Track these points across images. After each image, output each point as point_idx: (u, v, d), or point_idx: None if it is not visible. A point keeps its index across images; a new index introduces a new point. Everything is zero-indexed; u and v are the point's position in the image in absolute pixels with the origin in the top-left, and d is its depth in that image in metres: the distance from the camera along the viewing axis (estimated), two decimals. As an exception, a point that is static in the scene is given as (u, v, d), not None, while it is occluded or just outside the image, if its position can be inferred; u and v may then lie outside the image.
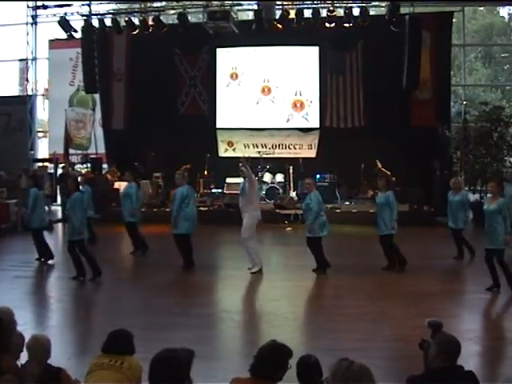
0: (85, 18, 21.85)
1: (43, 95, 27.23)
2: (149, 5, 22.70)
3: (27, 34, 25.69)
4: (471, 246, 13.44)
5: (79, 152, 25.21)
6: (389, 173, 20.61)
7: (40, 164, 24.34)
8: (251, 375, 4.52)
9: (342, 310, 9.78)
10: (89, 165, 23.67)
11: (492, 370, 6.92)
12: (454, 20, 22.59)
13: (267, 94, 23.60)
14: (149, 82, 22.68)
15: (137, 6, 22.68)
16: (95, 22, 21.62)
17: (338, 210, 19.83)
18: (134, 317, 9.00)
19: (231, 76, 23.82)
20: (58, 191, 21.97)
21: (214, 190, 21.57)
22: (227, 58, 23.82)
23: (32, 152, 26.19)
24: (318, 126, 23.20)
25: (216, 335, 8.73)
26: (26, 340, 4.99)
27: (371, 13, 21.73)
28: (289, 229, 18.39)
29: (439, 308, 9.79)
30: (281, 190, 21.28)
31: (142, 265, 14.06)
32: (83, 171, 23.52)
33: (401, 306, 10.07)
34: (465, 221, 13.50)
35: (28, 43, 25.88)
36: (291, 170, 21.25)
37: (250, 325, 9.40)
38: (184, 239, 12.95)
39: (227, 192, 20.67)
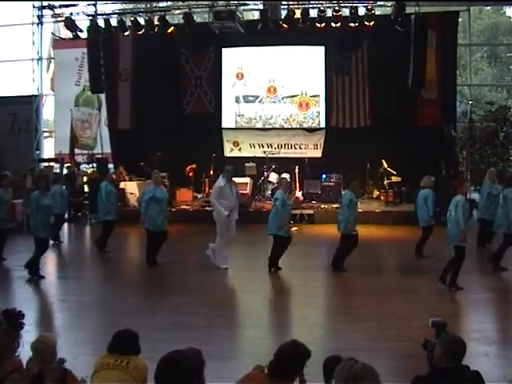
0: (90, 17, 21.86)
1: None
2: (154, 5, 22.72)
3: (33, 33, 25.71)
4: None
5: (85, 152, 25.23)
6: (394, 172, 20.65)
7: (46, 164, 24.36)
8: (269, 372, 4.52)
9: (347, 310, 9.78)
10: (94, 165, 23.69)
11: (498, 370, 6.91)
12: (459, 20, 22.54)
13: (273, 93, 23.61)
14: (154, 82, 22.69)
15: (142, 5, 22.70)
16: (101, 22, 21.60)
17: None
18: (138, 317, 9.01)
19: (237, 76, 23.83)
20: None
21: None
22: (233, 58, 23.83)
23: (38, 152, 26.21)
24: (323, 125, 23.22)
25: (221, 335, 8.73)
26: (32, 340, 4.98)
27: (377, 13, 21.69)
28: (294, 229, 18.33)
29: (445, 308, 9.78)
30: (286, 190, 21.26)
31: (145, 265, 14.07)
32: (89, 171, 23.57)
33: (406, 305, 10.06)
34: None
35: (34, 43, 25.89)
36: (297, 170, 21.25)
37: (255, 324, 9.40)
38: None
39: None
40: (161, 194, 13.46)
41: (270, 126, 23.72)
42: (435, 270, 12.63)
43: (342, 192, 13.04)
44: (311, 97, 23.40)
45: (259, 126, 23.81)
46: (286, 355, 4.57)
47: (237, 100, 23.90)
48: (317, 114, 23.36)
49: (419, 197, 13.88)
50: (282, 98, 23.56)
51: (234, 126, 23.97)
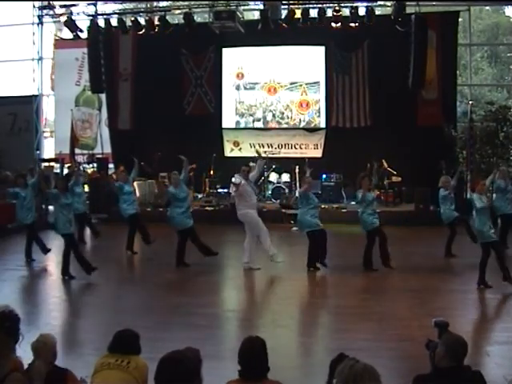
0: (91, 17, 21.86)
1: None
2: (155, 4, 22.74)
3: (33, 33, 25.71)
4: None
5: (85, 152, 25.22)
6: (395, 172, 20.64)
7: (46, 164, 24.34)
8: (242, 379, 4.47)
9: (347, 310, 9.77)
10: (95, 165, 23.69)
11: (499, 370, 6.90)
12: (460, 19, 22.53)
13: (273, 93, 23.62)
14: (155, 82, 22.68)
15: (143, 5, 22.68)
16: (101, 22, 21.59)
17: (343, 210, 19.81)
18: (139, 316, 9.01)
19: (237, 76, 23.83)
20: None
21: (219, 190, 21.57)
22: (233, 58, 23.83)
23: (38, 152, 26.21)
24: (324, 125, 23.22)
25: (222, 335, 8.74)
26: (32, 340, 4.97)
27: (377, 12, 21.65)
28: (295, 228, 18.34)
29: (446, 308, 9.77)
30: (286, 190, 21.28)
31: (147, 264, 14.08)
32: (89, 171, 23.55)
33: (407, 305, 10.06)
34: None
35: (34, 43, 25.89)
36: (297, 170, 21.22)
37: (256, 325, 9.39)
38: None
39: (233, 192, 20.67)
40: (182, 193, 13.48)
41: (271, 114, 23.73)
42: (436, 269, 12.66)
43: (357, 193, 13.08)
44: (311, 96, 23.41)
45: (259, 112, 23.81)
46: (250, 357, 4.51)
47: (237, 87, 23.93)
48: (317, 114, 23.37)
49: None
50: (282, 86, 23.63)
51: (234, 113, 24.02)
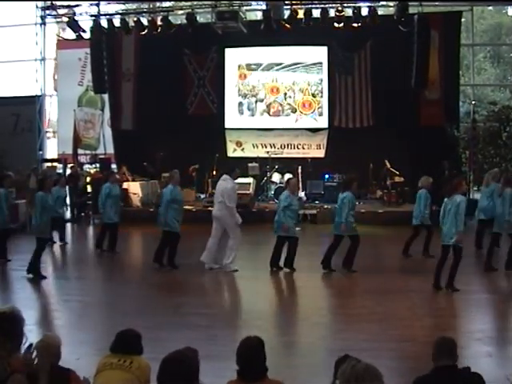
0: (93, 18, 21.91)
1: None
2: (157, 5, 22.77)
3: (36, 34, 25.76)
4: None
5: (88, 152, 25.27)
6: (397, 172, 20.62)
7: (49, 164, 24.39)
8: (242, 379, 4.47)
9: (348, 311, 9.78)
10: (97, 165, 23.72)
11: (501, 371, 6.90)
12: (462, 19, 22.56)
13: (276, 93, 23.64)
14: (157, 82, 22.73)
15: (145, 6, 22.74)
16: (104, 23, 21.67)
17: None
18: (140, 317, 9.01)
19: (240, 76, 23.86)
20: (67, 191, 22.06)
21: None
22: (236, 58, 23.86)
23: (41, 152, 26.26)
24: (326, 125, 23.23)
25: (223, 335, 8.73)
26: (34, 340, 4.97)
27: (380, 13, 21.72)
28: (297, 229, 18.35)
29: (447, 308, 9.77)
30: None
31: (148, 265, 14.06)
32: (92, 171, 23.59)
33: (408, 306, 10.04)
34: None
35: (37, 43, 25.94)
36: (300, 170, 21.23)
37: (255, 325, 9.37)
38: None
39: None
40: (180, 194, 13.42)
41: (273, 97, 23.77)
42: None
43: (343, 194, 12.74)
44: (314, 97, 23.43)
45: (262, 93, 23.91)
46: (247, 357, 4.49)
47: (239, 68, 24.05)
48: (320, 114, 23.38)
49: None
50: (283, 67, 23.71)
51: (236, 94, 24.08)
